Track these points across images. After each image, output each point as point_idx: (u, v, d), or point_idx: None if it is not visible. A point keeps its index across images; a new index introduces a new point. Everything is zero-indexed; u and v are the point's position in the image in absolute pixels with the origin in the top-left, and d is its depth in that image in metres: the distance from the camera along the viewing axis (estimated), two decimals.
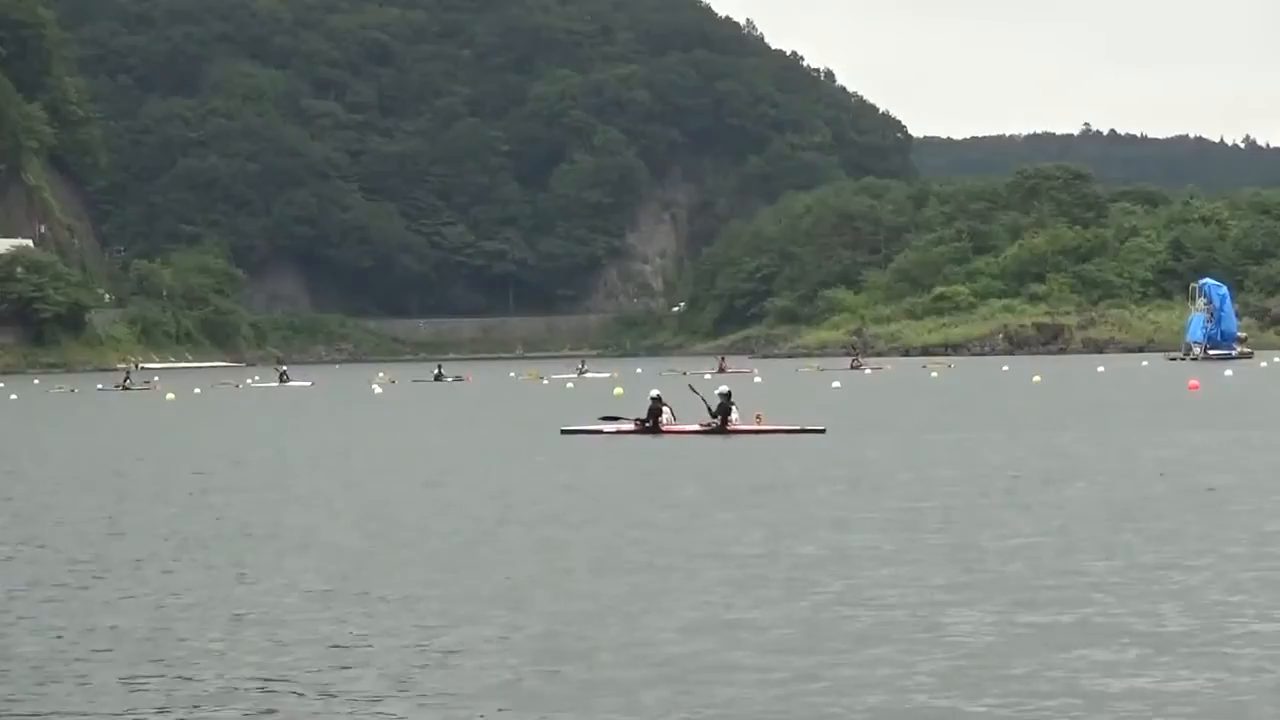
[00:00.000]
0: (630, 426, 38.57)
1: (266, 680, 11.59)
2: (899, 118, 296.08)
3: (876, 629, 12.91)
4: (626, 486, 25.85)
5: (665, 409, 38.42)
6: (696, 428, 37.67)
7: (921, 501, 22.23)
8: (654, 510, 21.98)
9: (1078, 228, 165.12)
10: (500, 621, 13.60)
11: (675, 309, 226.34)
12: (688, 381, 40.36)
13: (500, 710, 10.61)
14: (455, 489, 26.05)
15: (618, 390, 67.26)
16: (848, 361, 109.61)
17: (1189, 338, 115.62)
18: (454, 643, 12.75)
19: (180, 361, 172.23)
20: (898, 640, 12.42)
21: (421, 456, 34.16)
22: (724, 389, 38.85)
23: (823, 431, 36.70)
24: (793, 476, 26.73)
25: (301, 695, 11.13)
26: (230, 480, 28.79)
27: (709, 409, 37.94)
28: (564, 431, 39.47)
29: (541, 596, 14.86)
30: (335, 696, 11.07)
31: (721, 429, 37.25)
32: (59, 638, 13.43)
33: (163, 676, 11.80)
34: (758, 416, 38.13)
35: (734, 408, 37.60)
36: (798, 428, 37.40)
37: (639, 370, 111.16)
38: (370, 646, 12.70)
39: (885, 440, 35.59)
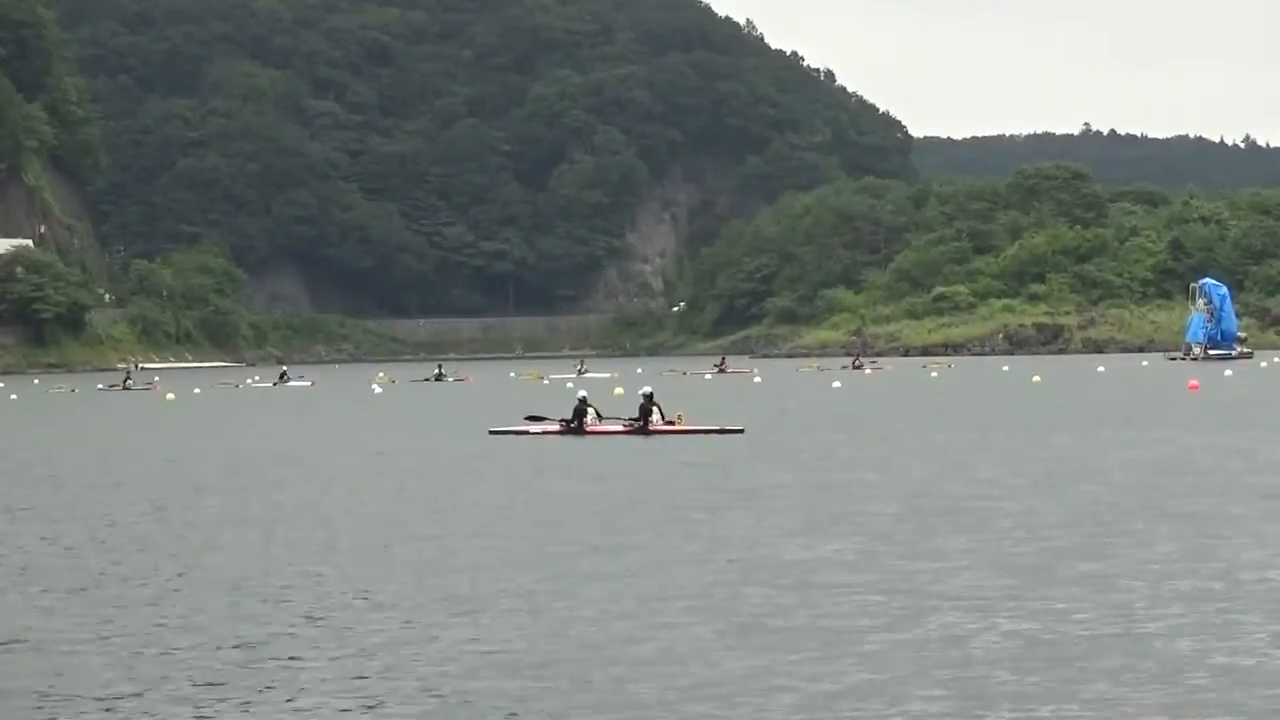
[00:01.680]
0: (555, 427, 39.29)
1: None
2: (899, 118, 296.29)
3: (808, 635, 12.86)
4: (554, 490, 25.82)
5: (591, 409, 39.16)
6: (619, 428, 38.46)
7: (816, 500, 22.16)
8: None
9: (1078, 228, 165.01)
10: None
11: (675, 309, 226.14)
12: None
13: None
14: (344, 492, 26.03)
15: (617, 390, 67.08)
16: (848, 361, 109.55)
17: (1189, 338, 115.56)
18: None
19: (180, 361, 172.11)
20: (862, 646, 12.37)
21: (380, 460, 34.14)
22: (647, 390, 39.85)
23: (741, 432, 37.38)
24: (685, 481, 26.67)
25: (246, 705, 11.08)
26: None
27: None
28: (491, 432, 40.30)
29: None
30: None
31: (643, 430, 37.90)
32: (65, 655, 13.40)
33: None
34: (678, 417, 38.79)
35: (655, 409, 38.31)
36: (716, 428, 38.05)
37: (639, 370, 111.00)
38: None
39: (805, 440, 35.87)
